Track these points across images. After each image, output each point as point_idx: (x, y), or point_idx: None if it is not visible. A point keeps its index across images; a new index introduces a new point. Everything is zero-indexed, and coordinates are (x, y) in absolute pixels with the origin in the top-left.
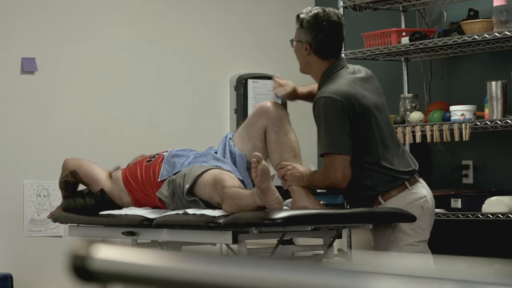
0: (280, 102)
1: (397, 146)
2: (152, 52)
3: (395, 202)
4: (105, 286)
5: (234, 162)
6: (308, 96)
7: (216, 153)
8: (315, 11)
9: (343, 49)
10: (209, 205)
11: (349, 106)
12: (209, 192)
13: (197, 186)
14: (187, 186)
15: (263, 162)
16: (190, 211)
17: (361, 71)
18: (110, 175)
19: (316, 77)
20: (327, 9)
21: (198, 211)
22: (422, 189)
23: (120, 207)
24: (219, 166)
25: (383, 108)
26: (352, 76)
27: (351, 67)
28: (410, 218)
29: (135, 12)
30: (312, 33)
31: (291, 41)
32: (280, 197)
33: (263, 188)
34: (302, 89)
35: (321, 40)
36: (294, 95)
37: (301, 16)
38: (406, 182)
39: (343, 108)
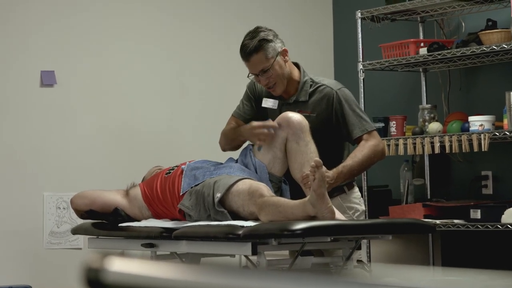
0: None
1: None
2: (170, 64)
3: (353, 195)
4: None
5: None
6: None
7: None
8: (264, 27)
9: (361, 60)
10: (236, 217)
11: None
12: (243, 200)
13: (229, 195)
14: (218, 195)
15: (323, 168)
16: (214, 223)
17: None
18: (127, 194)
19: (293, 84)
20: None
21: (224, 223)
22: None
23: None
24: (249, 177)
25: None
26: None
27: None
28: (428, 229)
29: (154, 24)
30: (280, 39)
31: (264, 71)
32: (333, 207)
33: (319, 193)
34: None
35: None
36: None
37: (261, 34)
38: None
39: None
